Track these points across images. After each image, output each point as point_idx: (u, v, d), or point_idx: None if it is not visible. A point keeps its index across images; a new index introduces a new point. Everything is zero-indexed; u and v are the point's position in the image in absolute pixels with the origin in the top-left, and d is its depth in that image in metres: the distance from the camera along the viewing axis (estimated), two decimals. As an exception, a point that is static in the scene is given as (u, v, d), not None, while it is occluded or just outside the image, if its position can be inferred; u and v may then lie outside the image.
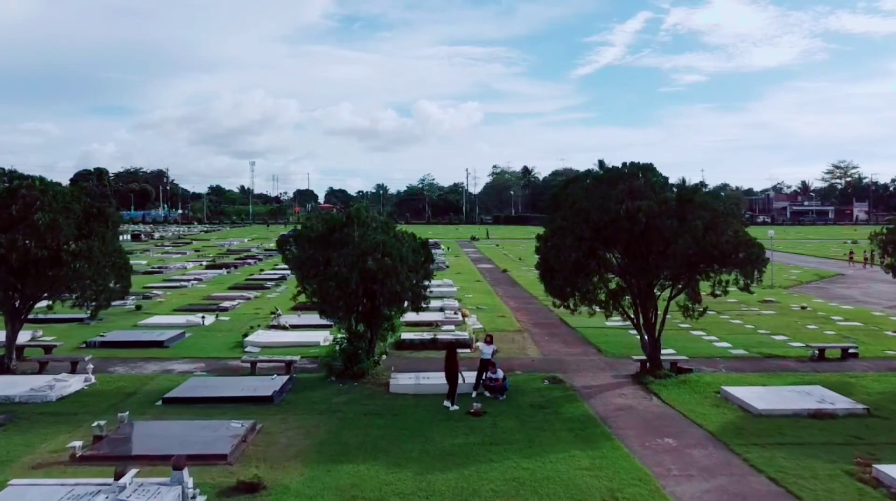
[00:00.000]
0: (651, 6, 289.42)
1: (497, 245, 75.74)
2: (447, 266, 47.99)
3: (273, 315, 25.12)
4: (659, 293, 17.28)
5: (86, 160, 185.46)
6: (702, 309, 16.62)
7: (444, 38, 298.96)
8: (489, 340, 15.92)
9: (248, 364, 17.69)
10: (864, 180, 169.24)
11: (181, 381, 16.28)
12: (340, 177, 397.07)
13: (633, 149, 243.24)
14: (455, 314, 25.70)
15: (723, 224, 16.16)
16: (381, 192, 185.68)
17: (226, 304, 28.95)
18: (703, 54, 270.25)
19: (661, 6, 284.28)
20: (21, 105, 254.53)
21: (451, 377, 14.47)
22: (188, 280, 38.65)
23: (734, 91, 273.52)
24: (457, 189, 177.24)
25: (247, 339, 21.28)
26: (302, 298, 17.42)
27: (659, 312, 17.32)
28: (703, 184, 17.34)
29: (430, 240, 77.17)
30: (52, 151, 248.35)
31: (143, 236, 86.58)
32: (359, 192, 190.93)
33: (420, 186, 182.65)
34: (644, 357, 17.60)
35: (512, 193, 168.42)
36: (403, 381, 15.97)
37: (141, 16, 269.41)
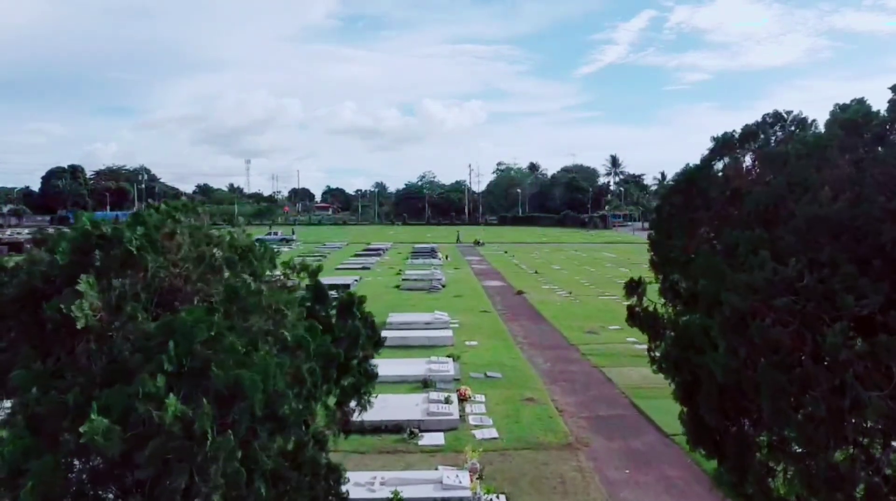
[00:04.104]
0: (655, 4, 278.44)
1: (506, 252, 63.77)
2: (443, 286, 36.19)
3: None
4: None
5: (89, 160, 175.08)
6: None
7: (448, 36, 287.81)
8: None
9: None
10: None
11: None
12: (343, 176, 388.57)
13: (639, 147, 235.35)
14: (446, 403, 14.07)
15: None
16: (379, 190, 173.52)
17: None
18: (708, 53, 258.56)
19: (664, 4, 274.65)
20: (26, 105, 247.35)
21: None
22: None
23: (739, 90, 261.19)
24: (459, 187, 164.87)
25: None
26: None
27: None
28: None
29: (427, 245, 65.84)
30: (56, 151, 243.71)
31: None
32: (357, 191, 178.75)
33: (419, 183, 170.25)
34: None
35: (519, 191, 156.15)
36: None
37: (145, 15, 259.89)
